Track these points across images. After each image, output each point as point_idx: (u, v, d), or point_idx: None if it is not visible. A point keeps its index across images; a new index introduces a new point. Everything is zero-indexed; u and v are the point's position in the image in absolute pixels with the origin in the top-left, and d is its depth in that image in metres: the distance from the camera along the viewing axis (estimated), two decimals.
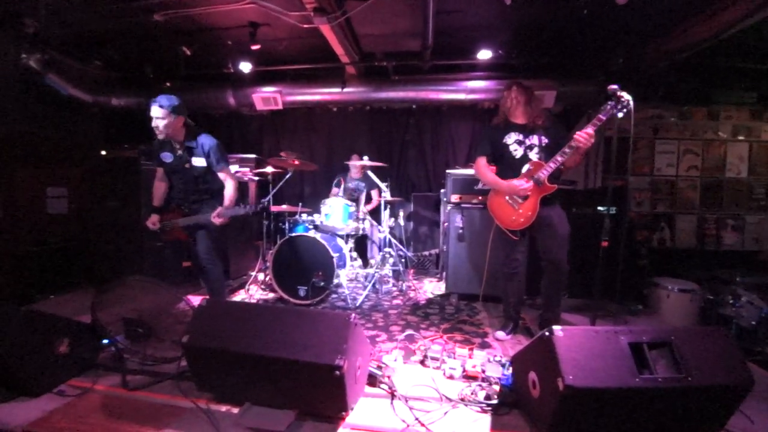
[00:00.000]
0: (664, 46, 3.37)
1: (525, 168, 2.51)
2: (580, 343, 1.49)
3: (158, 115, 2.52)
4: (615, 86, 2.13)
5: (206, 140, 2.69)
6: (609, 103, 2.18)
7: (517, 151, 2.56)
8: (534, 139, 2.56)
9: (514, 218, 2.52)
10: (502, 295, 2.82)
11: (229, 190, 2.73)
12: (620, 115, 2.15)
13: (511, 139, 2.58)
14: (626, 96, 2.09)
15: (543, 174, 2.42)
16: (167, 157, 2.70)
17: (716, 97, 4.36)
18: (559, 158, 2.36)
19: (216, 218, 2.61)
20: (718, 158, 4.48)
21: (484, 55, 3.93)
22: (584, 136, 2.26)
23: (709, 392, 1.49)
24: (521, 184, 2.47)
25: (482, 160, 2.65)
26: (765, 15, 2.54)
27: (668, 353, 1.51)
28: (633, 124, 2.13)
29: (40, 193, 3.85)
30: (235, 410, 1.80)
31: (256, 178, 4.63)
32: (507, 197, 2.56)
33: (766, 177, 4.45)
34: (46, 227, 3.85)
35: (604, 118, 2.22)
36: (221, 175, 2.75)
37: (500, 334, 2.70)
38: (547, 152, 2.51)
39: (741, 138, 4.45)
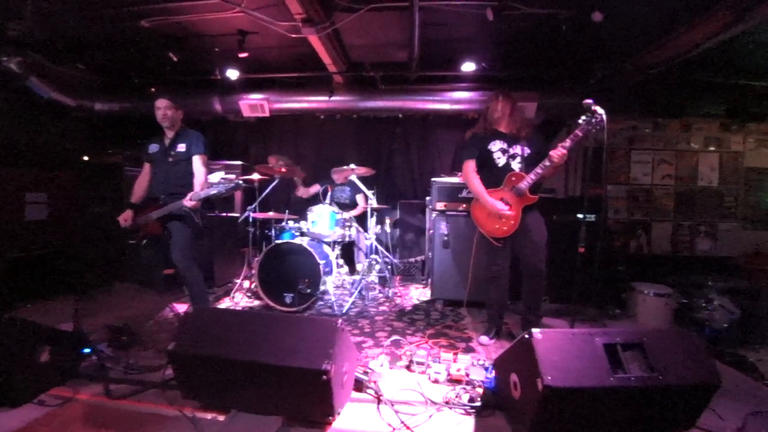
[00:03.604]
0: (640, 61, 3.53)
1: (506, 179, 2.58)
2: (558, 345, 1.55)
3: (165, 104, 2.80)
4: (590, 101, 2.23)
5: (195, 131, 2.94)
6: (583, 119, 2.28)
7: (500, 160, 2.64)
8: (517, 149, 2.64)
9: (498, 226, 2.59)
10: (485, 301, 2.88)
11: (200, 176, 2.80)
12: (594, 130, 2.26)
13: (495, 146, 2.65)
14: (600, 110, 2.19)
15: (524, 185, 2.51)
16: (153, 147, 2.89)
17: (689, 110, 4.55)
18: (539, 170, 2.46)
19: (188, 201, 2.66)
20: (690, 168, 4.68)
21: (469, 67, 4.03)
22: (558, 154, 2.38)
23: (679, 390, 1.56)
24: (503, 209, 2.54)
25: (471, 164, 2.69)
26: (732, 33, 2.70)
27: (641, 354, 1.59)
28: (610, 135, 2.24)
29: (18, 198, 3.76)
30: (221, 418, 1.80)
31: (243, 185, 4.62)
32: None
33: (736, 186, 4.67)
34: (26, 233, 3.76)
35: (580, 134, 2.32)
36: (195, 160, 2.83)
37: (484, 338, 2.76)
38: (529, 162, 2.60)
39: (712, 149, 4.67)
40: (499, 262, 2.68)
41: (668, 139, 4.67)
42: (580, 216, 3.56)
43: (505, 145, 2.65)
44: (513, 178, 2.57)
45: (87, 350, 2.24)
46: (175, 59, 3.85)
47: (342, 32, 3.44)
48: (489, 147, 2.66)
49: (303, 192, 4.56)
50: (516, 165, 2.62)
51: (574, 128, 2.33)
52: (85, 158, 4.37)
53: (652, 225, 4.71)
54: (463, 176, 2.76)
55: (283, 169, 3.76)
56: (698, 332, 2.88)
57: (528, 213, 2.59)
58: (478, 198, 2.67)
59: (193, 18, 3.18)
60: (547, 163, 2.43)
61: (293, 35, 3.16)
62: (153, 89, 4.65)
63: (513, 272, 2.78)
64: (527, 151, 2.64)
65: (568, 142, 2.36)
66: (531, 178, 2.49)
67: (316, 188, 4.54)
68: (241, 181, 2.87)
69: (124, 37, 3.59)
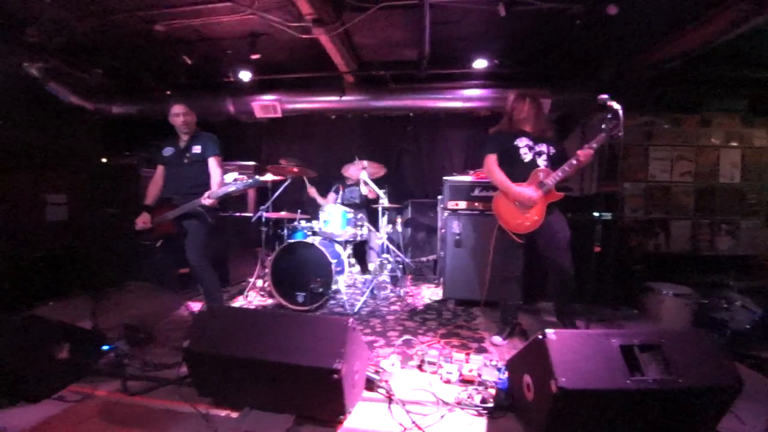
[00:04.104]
0: (655, 56, 3.44)
1: (532, 174, 2.56)
2: (573, 346, 1.52)
3: (183, 110, 2.87)
4: (605, 96, 2.19)
5: (208, 134, 3.00)
6: (607, 125, 2.28)
7: (527, 156, 2.61)
8: (543, 147, 2.63)
9: (520, 222, 2.56)
10: (499, 300, 2.85)
11: (216, 177, 2.86)
12: (617, 133, 2.22)
13: (522, 143, 2.64)
14: (615, 105, 2.15)
15: (551, 181, 2.49)
16: (168, 150, 2.94)
17: (708, 105, 4.42)
18: (567, 168, 2.44)
19: (206, 200, 2.69)
20: (711, 164, 4.54)
21: (480, 64, 3.99)
22: (586, 153, 2.39)
23: (698, 393, 1.52)
24: (532, 194, 2.51)
25: (492, 158, 2.67)
26: (749, 26, 2.61)
27: (658, 356, 1.54)
28: (626, 131, 2.19)
29: (39, 199, 3.87)
30: (235, 415, 1.82)
31: (260, 181, 4.68)
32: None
33: (759, 183, 4.51)
34: (46, 234, 3.87)
35: (605, 136, 2.31)
36: (210, 162, 2.88)
37: (497, 339, 2.73)
38: (553, 162, 2.59)
39: (733, 144, 4.51)
40: (515, 261, 2.65)
41: (687, 134, 4.53)
42: (595, 214, 3.49)
43: (531, 143, 2.64)
44: (540, 174, 2.54)
45: (105, 347, 2.29)
46: (188, 62, 3.92)
47: (352, 32, 3.44)
48: (515, 143, 2.64)
49: (321, 200, 4.60)
50: (542, 162, 2.60)
51: (589, 130, 2.31)
52: (103, 160, 4.47)
53: (670, 223, 4.58)
54: (484, 170, 2.73)
55: (295, 169, 3.79)
56: (719, 334, 2.79)
57: (551, 211, 2.56)
58: (504, 189, 2.61)
59: (205, 21, 3.23)
60: (574, 162, 2.42)
61: (304, 36, 3.17)
62: (168, 92, 4.74)
63: (529, 272, 2.74)
64: (552, 150, 2.64)
65: (594, 144, 2.37)
66: (558, 174, 2.47)
67: (332, 198, 4.59)
68: (258, 177, 2.90)
69: (139, 41, 3.67)
